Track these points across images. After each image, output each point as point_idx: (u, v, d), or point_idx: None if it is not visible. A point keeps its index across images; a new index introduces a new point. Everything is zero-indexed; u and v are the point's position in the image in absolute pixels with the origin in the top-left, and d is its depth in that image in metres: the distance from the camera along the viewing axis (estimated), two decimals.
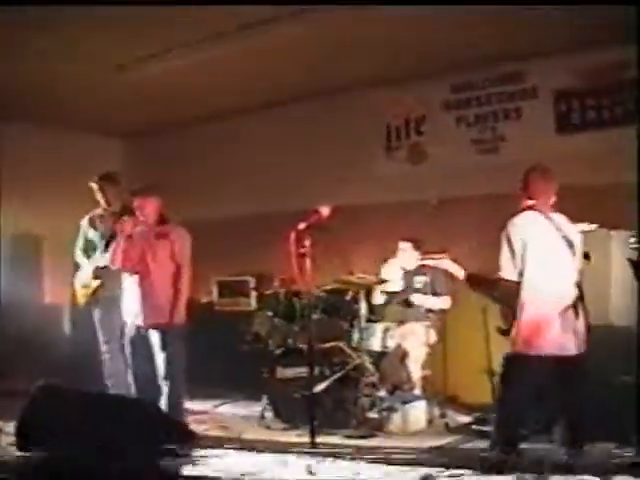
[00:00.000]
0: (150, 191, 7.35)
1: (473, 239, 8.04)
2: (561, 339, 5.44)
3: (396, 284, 8.16)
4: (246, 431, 7.42)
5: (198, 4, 6.84)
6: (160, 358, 6.83)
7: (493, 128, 8.98)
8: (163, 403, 6.75)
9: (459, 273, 5.79)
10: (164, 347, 6.83)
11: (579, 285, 5.56)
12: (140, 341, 6.96)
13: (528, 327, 5.46)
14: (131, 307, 7.04)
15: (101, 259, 7.67)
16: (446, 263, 5.90)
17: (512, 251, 5.50)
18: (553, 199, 5.68)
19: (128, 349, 7.09)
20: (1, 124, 10.59)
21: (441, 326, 8.06)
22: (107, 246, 7.44)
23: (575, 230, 5.73)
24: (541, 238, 5.54)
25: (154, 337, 6.90)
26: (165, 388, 6.78)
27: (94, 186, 7.92)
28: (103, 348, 7.82)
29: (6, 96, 9.39)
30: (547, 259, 5.51)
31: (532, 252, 5.48)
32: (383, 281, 8.09)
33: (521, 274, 5.48)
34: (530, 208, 5.64)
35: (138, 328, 6.98)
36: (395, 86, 9.48)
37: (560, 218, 5.67)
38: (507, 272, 5.51)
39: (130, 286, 7.09)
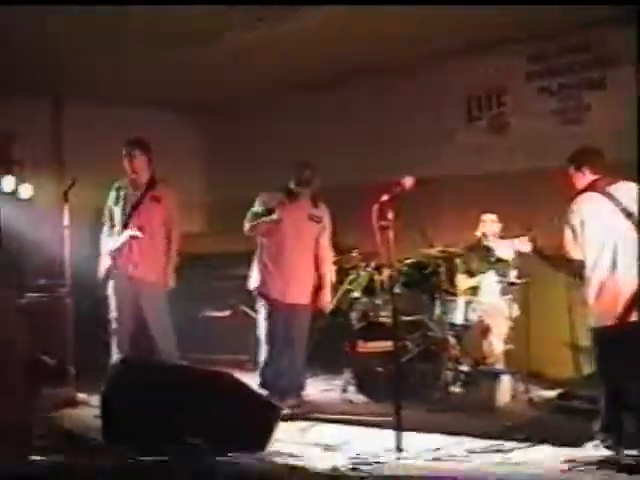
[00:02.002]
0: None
1: (554, 212, 7.89)
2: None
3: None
4: (328, 405, 7.44)
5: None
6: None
7: (576, 97, 8.80)
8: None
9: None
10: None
11: None
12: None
13: (603, 301, 5.38)
14: None
15: (116, 241, 7.57)
16: (526, 245, 5.84)
17: (574, 232, 5.45)
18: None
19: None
20: (69, 102, 10.78)
21: (524, 300, 7.93)
22: (125, 226, 7.50)
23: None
24: (601, 217, 5.44)
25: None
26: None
27: (123, 151, 7.59)
28: (114, 316, 7.70)
29: (76, 75, 9.52)
30: (608, 238, 5.41)
31: (592, 231, 5.40)
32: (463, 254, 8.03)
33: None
34: (589, 188, 5.54)
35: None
36: (476, 56, 9.32)
37: (622, 190, 5.52)
38: (573, 251, 5.47)
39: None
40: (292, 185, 7.33)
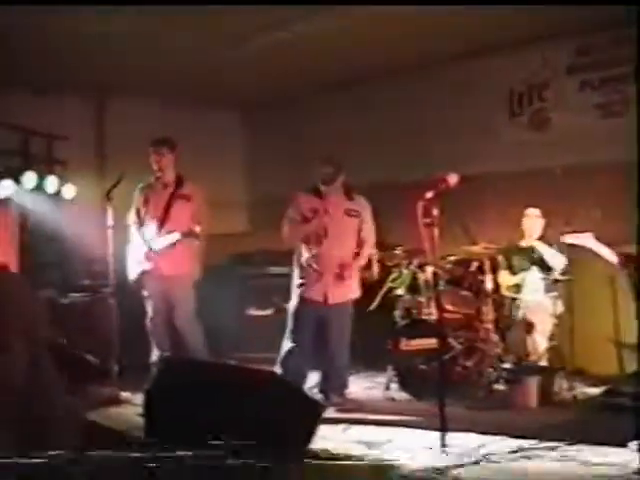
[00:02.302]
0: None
1: (597, 208, 7.83)
2: None
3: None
4: (371, 402, 7.43)
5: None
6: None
7: (618, 91, 8.71)
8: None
9: (604, 252, 5.64)
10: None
11: None
12: None
13: None
14: None
15: (154, 242, 7.61)
16: (591, 242, 5.74)
17: None
18: None
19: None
20: (112, 102, 10.85)
21: (568, 297, 7.86)
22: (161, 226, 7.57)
23: None
24: None
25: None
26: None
27: (150, 150, 7.64)
28: (150, 317, 7.81)
29: (119, 74, 9.60)
30: None
31: None
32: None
33: None
34: None
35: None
36: (519, 51, 9.27)
37: None
38: None
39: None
40: (320, 185, 7.27)
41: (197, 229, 7.56)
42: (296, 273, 7.31)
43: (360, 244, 7.28)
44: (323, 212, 7.13)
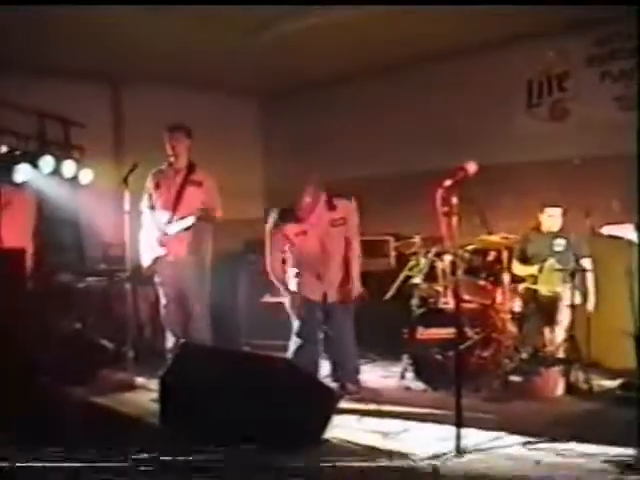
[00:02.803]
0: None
1: (616, 200, 7.78)
2: None
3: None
4: (386, 391, 7.40)
5: None
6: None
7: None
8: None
9: None
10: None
11: None
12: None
13: None
14: None
15: (168, 226, 7.60)
16: (631, 233, 5.67)
17: None
18: None
19: None
20: (129, 87, 10.85)
21: (585, 289, 7.82)
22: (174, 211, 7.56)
23: None
24: None
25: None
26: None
27: (166, 135, 7.62)
28: (163, 301, 7.80)
29: (136, 60, 9.63)
30: None
31: None
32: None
33: None
34: None
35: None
36: (537, 41, 9.22)
37: None
38: None
39: None
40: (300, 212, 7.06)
41: (212, 212, 7.55)
42: (291, 276, 7.22)
43: (348, 243, 7.16)
44: (308, 233, 7.05)
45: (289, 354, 7.07)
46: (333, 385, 6.91)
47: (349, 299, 7.08)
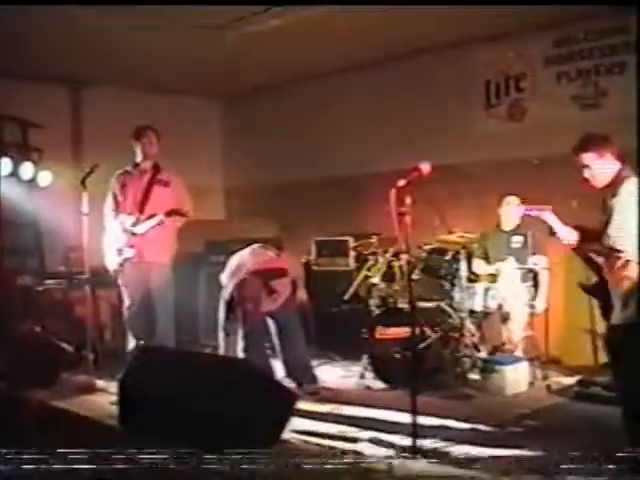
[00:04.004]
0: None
1: (574, 199, 7.84)
2: None
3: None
4: (345, 391, 7.43)
5: None
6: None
7: (595, 83, 8.72)
8: None
9: (562, 231, 5.59)
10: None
11: None
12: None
13: None
14: None
15: (136, 227, 7.59)
16: (549, 216, 5.70)
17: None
18: None
19: None
20: (88, 89, 10.79)
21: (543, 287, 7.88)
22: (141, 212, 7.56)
23: None
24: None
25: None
26: None
27: (136, 137, 7.68)
28: (127, 304, 7.78)
29: (95, 61, 9.55)
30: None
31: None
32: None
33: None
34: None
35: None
36: (495, 42, 9.28)
37: None
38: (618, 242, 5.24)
39: None
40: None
41: (182, 211, 7.58)
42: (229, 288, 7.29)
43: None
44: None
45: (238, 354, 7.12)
46: (290, 385, 6.93)
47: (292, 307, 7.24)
